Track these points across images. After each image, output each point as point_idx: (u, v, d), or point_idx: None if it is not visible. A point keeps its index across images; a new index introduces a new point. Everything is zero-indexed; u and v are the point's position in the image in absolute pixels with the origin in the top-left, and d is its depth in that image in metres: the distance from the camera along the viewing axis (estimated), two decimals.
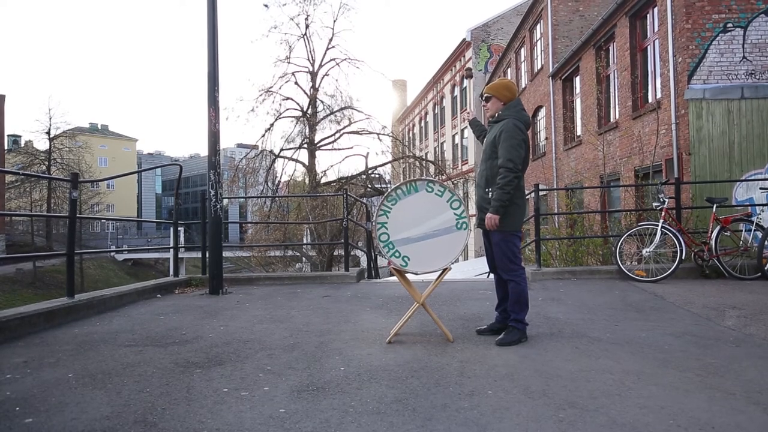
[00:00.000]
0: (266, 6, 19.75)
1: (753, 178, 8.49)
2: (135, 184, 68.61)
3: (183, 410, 2.34)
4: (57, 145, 39.08)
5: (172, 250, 7.42)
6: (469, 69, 28.91)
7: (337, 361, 3.06)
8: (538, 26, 18.21)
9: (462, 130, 31.57)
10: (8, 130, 41.23)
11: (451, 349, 3.29)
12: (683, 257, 5.82)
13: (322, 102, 20.72)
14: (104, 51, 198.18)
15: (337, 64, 20.43)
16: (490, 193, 3.52)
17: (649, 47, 10.95)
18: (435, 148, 37.20)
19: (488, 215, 3.49)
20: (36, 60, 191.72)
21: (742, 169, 8.66)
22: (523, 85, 20.13)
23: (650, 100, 10.75)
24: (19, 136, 50.92)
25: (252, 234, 21.95)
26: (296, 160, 20.38)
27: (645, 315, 4.25)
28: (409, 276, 3.71)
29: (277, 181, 20.40)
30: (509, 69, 22.43)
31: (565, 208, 11.30)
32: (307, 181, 20.72)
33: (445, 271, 3.61)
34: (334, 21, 20.16)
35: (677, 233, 5.95)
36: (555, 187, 15.61)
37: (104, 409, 2.36)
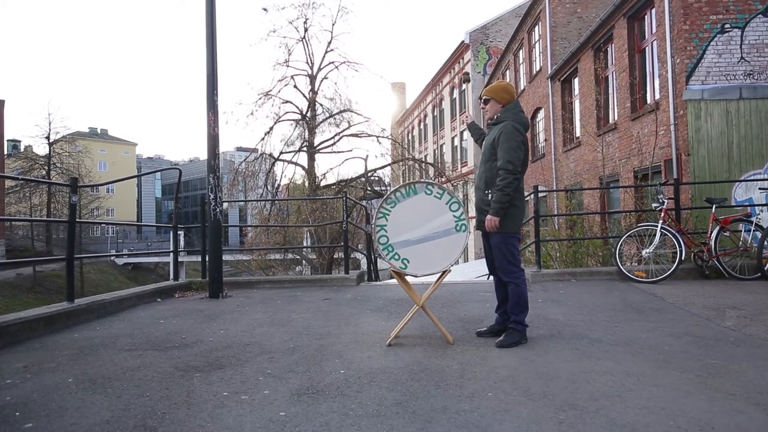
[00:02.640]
0: (265, 10, 19.90)
1: (752, 178, 8.50)
2: (135, 188, 68.71)
3: (183, 414, 2.34)
4: (56, 150, 39.13)
5: (171, 254, 7.42)
6: (467, 73, 28.96)
7: (337, 364, 3.06)
8: (536, 28, 18.25)
9: (461, 133, 31.63)
10: (8, 135, 41.19)
11: (451, 351, 3.29)
12: (683, 258, 5.83)
13: (321, 105, 20.79)
14: (103, 55, 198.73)
15: (336, 67, 20.51)
16: (490, 195, 3.52)
17: (647, 48, 10.97)
18: (434, 150, 37.25)
19: (488, 217, 3.50)
20: (35, 65, 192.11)
21: (741, 170, 8.66)
22: (522, 87, 20.15)
23: (649, 101, 10.76)
24: (19, 141, 50.88)
25: (252, 237, 21.96)
26: (296, 163, 20.42)
27: (645, 316, 4.25)
28: (408, 278, 3.71)
29: (276, 185, 20.43)
30: (508, 71, 22.46)
31: (564, 210, 11.30)
32: (306, 184, 20.76)
33: (444, 273, 3.60)
34: (333, 24, 20.27)
35: (677, 234, 5.95)
36: (554, 188, 15.61)
37: (104, 413, 2.36)
